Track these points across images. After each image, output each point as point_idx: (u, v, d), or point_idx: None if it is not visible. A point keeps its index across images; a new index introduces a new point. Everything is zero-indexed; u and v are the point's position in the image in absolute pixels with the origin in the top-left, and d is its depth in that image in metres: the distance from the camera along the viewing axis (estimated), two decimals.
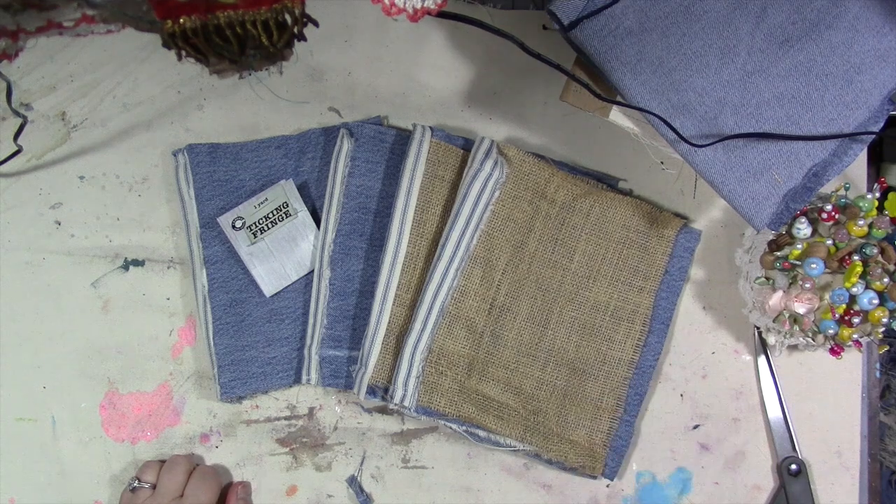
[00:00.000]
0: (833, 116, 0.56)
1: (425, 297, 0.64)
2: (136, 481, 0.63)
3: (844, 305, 0.61)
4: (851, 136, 0.56)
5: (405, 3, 0.47)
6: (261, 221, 0.66)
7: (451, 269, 0.64)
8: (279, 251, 0.66)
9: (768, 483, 0.69)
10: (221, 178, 0.68)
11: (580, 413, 0.67)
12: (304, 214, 0.66)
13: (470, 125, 0.71)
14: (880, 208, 0.63)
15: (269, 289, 0.67)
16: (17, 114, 0.66)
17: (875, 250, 0.60)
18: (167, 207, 0.70)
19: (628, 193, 0.70)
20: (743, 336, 0.70)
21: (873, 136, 0.56)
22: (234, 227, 0.65)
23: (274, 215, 0.66)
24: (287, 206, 0.66)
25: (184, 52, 0.46)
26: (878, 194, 0.62)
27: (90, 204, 0.69)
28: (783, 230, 0.64)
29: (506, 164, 0.66)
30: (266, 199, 0.66)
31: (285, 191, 0.66)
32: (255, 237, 0.65)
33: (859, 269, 0.59)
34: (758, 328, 0.69)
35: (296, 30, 0.47)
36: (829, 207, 0.61)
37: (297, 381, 0.67)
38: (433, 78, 0.71)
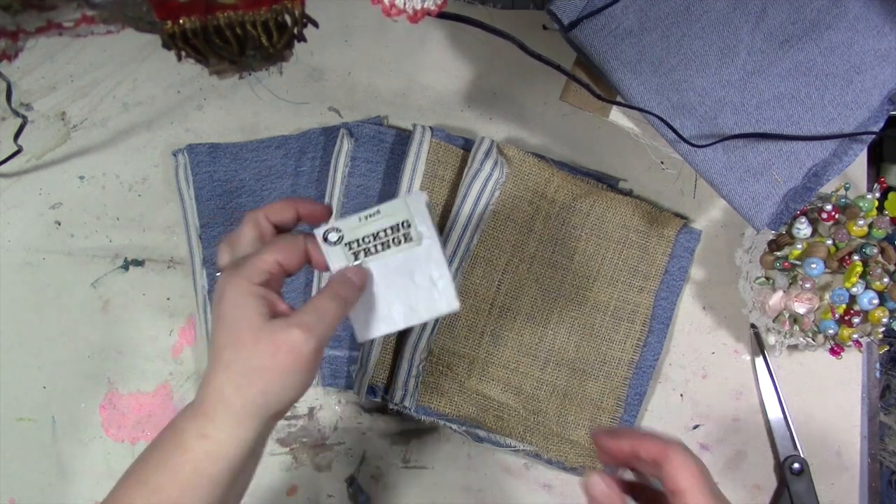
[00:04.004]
0: (833, 116, 0.56)
1: None
2: None
3: (844, 305, 0.61)
4: (851, 136, 0.56)
5: (405, 4, 0.47)
6: (367, 240, 0.48)
7: (451, 268, 0.64)
8: (389, 283, 0.48)
9: (769, 483, 0.69)
10: (221, 178, 0.68)
11: (580, 413, 0.67)
12: (430, 243, 0.47)
13: (470, 125, 0.71)
14: (880, 208, 0.63)
15: (362, 332, 0.49)
16: (17, 114, 0.66)
17: (875, 250, 0.60)
18: (167, 207, 0.70)
19: (628, 193, 0.70)
20: (743, 336, 0.70)
21: (873, 136, 0.56)
22: (325, 239, 0.48)
23: (388, 236, 0.48)
24: (408, 226, 0.47)
25: (183, 53, 0.46)
26: (878, 194, 0.62)
27: (90, 204, 0.69)
28: (783, 230, 0.64)
29: (506, 164, 0.66)
30: (378, 213, 0.47)
31: (409, 206, 0.47)
32: (357, 259, 0.48)
33: (859, 269, 0.59)
34: (754, 328, 0.69)
35: (295, 30, 0.47)
36: (829, 207, 0.61)
37: None
38: (433, 78, 0.71)
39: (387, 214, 0.47)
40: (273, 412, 0.43)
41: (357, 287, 0.47)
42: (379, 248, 0.48)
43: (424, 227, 0.47)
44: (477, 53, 0.71)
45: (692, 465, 0.41)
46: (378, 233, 0.48)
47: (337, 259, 0.48)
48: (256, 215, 0.47)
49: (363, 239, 0.48)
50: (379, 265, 0.48)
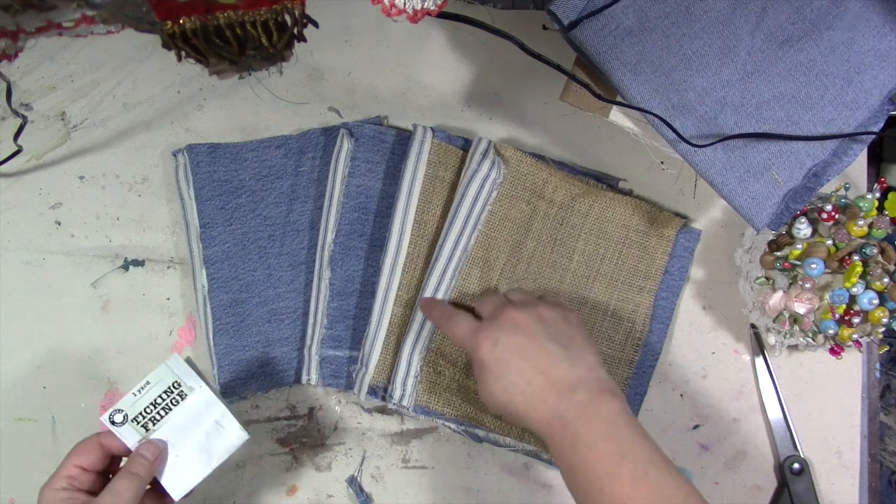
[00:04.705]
0: (833, 116, 0.56)
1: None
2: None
3: (844, 305, 0.61)
4: (851, 136, 0.56)
5: (405, 4, 0.47)
6: (148, 410, 0.55)
7: (448, 269, 0.64)
8: (182, 440, 0.55)
9: (769, 483, 0.69)
10: (221, 178, 0.68)
11: None
12: (202, 391, 0.56)
13: (470, 125, 0.71)
14: (880, 208, 0.63)
15: (177, 490, 0.55)
16: (17, 114, 0.66)
17: (875, 250, 0.60)
18: (167, 207, 0.70)
19: (628, 193, 0.70)
20: (743, 336, 0.70)
21: (873, 136, 0.56)
22: (112, 422, 0.54)
23: (164, 400, 0.55)
24: (179, 385, 0.56)
25: (183, 53, 0.46)
26: (878, 194, 0.62)
27: (90, 204, 0.69)
28: (783, 230, 0.64)
29: (503, 164, 0.66)
30: (147, 383, 0.55)
31: (171, 369, 0.56)
32: (147, 430, 0.55)
33: (859, 269, 0.59)
34: (754, 328, 0.69)
35: (296, 30, 0.47)
36: (829, 207, 0.61)
37: (297, 381, 0.67)
38: (433, 78, 0.71)
39: (156, 382, 0.55)
40: None
41: (149, 460, 0.53)
42: (162, 413, 0.55)
43: (192, 381, 0.55)
44: (477, 53, 0.71)
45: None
46: (155, 400, 0.55)
47: (130, 436, 0.54)
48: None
49: (145, 410, 0.55)
50: (168, 428, 0.55)
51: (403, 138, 0.68)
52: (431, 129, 0.67)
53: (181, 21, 0.45)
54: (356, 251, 0.67)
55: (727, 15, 0.55)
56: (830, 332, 0.61)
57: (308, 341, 0.67)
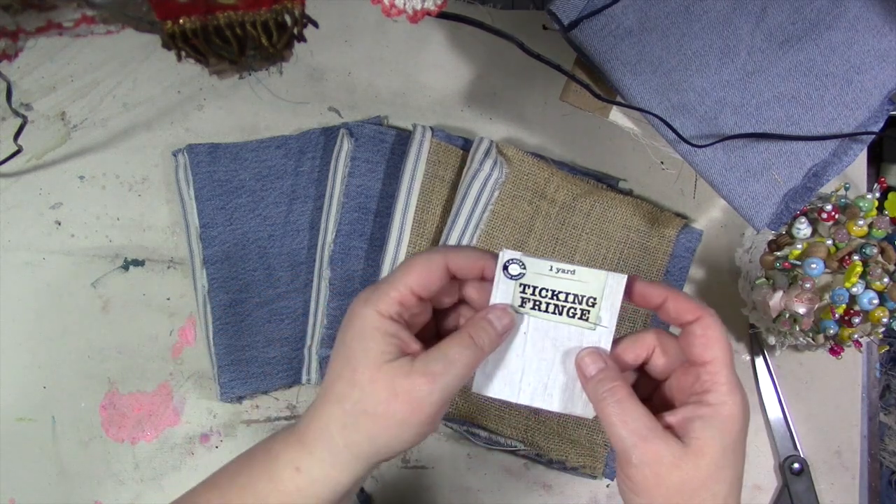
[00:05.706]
0: (833, 116, 0.56)
1: None
2: None
3: (844, 305, 0.61)
4: (851, 136, 0.56)
5: (405, 4, 0.47)
6: (545, 293, 0.42)
7: None
8: (535, 349, 0.42)
9: (769, 483, 0.69)
10: (221, 178, 0.68)
11: None
12: (604, 334, 0.42)
13: (470, 125, 0.71)
14: (880, 208, 0.63)
15: (479, 383, 0.43)
16: (17, 114, 0.66)
17: (875, 250, 0.60)
18: (167, 207, 0.70)
19: (628, 193, 0.70)
20: (743, 336, 0.70)
21: (873, 136, 0.56)
22: (505, 268, 0.42)
23: (567, 303, 0.42)
24: (593, 303, 0.42)
25: (183, 53, 0.46)
26: (878, 194, 0.62)
27: (90, 204, 0.69)
28: (783, 230, 0.63)
29: (505, 163, 0.66)
30: (573, 273, 0.42)
31: (606, 286, 0.42)
32: (523, 306, 0.42)
33: (859, 269, 0.59)
34: (754, 328, 0.69)
35: (295, 31, 0.47)
36: (829, 207, 0.61)
37: (297, 381, 0.67)
38: (433, 78, 0.71)
39: (580, 279, 0.42)
40: (378, 459, 0.40)
41: (498, 334, 0.41)
42: (551, 308, 0.42)
43: (608, 315, 0.42)
44: (477, 53, 0.71)
45: (724, 338, 0.39)
46: (560, 293, 0.42)
47: (503, 294, 0.42)
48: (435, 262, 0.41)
49: (542, 290, 0.42)
50: (539, 324, 0.42)
51: (403, 138, 0.68)
52: (431, 128, 0.67)
53: (181, 21, 0.45)
54: (356, 251, 0.67)
55: (727, 15, 0.55)
56: (830, 332, 0.61)
57: (308, 341, 0.67)
